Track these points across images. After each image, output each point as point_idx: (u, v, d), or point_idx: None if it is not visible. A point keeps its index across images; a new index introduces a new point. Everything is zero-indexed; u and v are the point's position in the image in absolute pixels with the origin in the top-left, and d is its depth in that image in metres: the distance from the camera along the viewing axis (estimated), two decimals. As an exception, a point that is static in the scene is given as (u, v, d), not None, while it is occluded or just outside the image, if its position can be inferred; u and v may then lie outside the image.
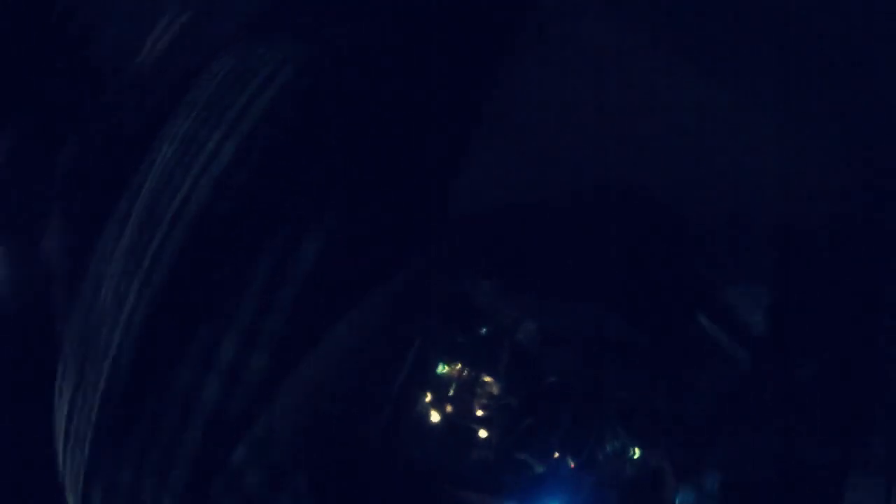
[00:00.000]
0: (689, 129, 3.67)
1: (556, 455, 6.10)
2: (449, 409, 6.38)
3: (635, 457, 5.96)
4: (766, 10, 3.17)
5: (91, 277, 2.76)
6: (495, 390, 6.00)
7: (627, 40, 3.40)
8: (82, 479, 2.49)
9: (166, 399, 2.30)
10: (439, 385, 6.11)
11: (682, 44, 3.40)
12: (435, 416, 6.34)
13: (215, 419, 2.29)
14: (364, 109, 2.38)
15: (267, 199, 2.23)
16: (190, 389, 2.29)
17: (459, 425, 6.36)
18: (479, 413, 6.33)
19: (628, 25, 3.47)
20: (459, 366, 5.95)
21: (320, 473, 2.13)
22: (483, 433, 6.26)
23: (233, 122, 2.37)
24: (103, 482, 2.44)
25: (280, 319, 2.28)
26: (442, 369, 6.02)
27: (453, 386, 6.04)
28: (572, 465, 6.07)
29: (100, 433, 2.42)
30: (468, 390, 6.12)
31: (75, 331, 2.67)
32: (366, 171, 2.31)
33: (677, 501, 5.14)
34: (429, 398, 6.19)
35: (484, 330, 5.33)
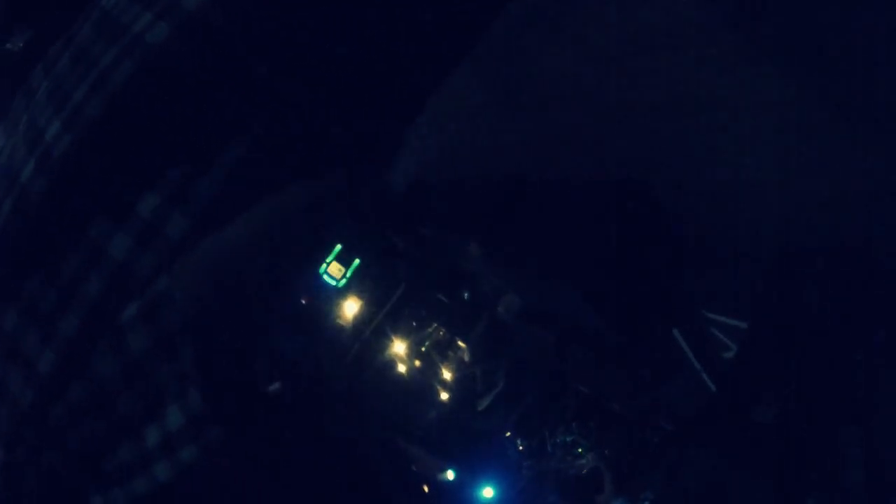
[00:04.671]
0: (708, 137, 3.56)
1: (508, 434, 6.03)
2: (417, 364, 6.29)
3: (582, 455, 5.89)
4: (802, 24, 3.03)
5: (14, 112, 2.56)
6: (465, 357, 5.91)
7: (653, 35, 3.28)
8: None
9: (71, 247, 2.14)
10: (412, 339, 6.00)
11: (719, 44, 3.28)
12: (402, 368, 6.24)
13: (118, 274, 2.11)
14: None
15: (229, 55, 2.10)
16: (99, 239, 2.13)
17: (423, 383, 6.26)
18: (445, 376, 6.24)
19: (651, 22, 3.35)
20: (436, 325, 5.84)
21: (210, 353, 2.02)
22: (444, 395, 6.18)
23: None
24: None
25: (213, 186, 2.15)
26: (418, 324, 5.91)
27: (426, 344, 5.93)
28: (520, 448, 6.01)
29: None
30: (439, 351, 6.01)
31: None
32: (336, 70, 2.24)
33: (609, 509, 5.07)
34: (400, 349, 6.09)
35: (467, 294, 5.23)
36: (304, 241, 2.39)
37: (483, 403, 5.96)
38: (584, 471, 5.91)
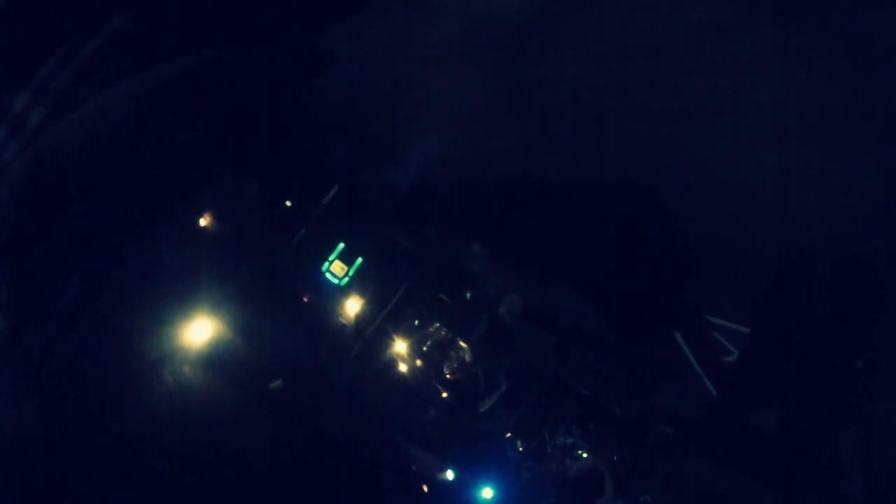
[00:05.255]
0: (710, 141, 3.55)
1: (508, 435, 5.98)
2: (419, 363, 6.24)
3: (583, 457, 5.84)
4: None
5: None
6: (467, 357, 5.87)
7: (654, 39, 3.27)
8: None
9: None
10: (414, 338, 5.95)
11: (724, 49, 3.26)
12: (403, 367, 6.19)
13: None
14: None
15: None
16: None
17: (425, 383, 6.20)
18: (446, 375, 6.18)
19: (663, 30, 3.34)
20: (438, 325, 5.80)
21: (22, 224, 2.15)
22: (445, 395, 6.13)
23: None
24: None
25: (69, 76, 2.32)
26: (420, 324, 5.87)
27: (428, 343, 5.89)
28: (520, 449, 5.96)
29: None
30: (441, 351, 5.97)
31: None
32: None
33: (609, 513, 5.06)
34: (401, 348, 6.03)
35: (469, 295, 5.22)
36: (119, 134, 2.45)
37: (484, 404, 5.96)
38: (584, 473, 5.92)
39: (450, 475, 5.78)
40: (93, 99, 2.27)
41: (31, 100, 2.29)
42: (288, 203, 5.52)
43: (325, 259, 5.91)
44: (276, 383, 4.02)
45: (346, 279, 5.90)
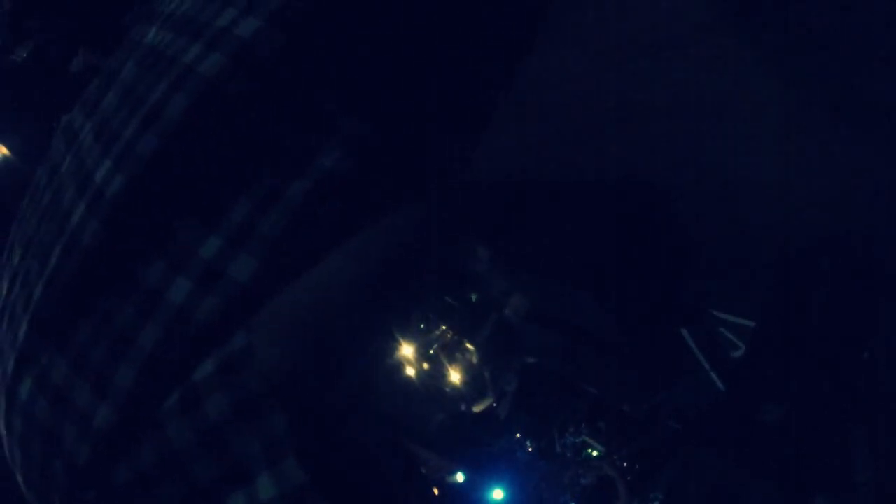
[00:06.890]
0: (711, 138, 3.56)
1: (517, 435, 6.01)
2: (426, 367, 6.27)
3: (592, 456, 5.88)
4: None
5: (49, 160, 2.40)
6: (473, 359, 5.90)
7: (654, 36, 3.28)
8: (11, 367, 2.18)
9: (125, 294, 2.00)
10: (420, 342, 5.99)
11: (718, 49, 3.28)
12: (410, 371, 6.22)
13: (179, 323, 1.95)
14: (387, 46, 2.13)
15: (293, 87, 1.83)
16: (156, 287, 1.99)
17: (432, 385, 6.25)
18: (454, 378, 6.22)
19: (661, 25, 3.35)
20: (444, 327, 5.84)
21: (300, 412, 1.76)
22: (452, 397, 6.16)
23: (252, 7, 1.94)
24: (35, 373, 2.10)
25: (279, 223, 1.98)
26: (426, 327, 5.91)
27: (434, 346, 5.93)
28: (529, 449, 5.99)
29: (38, 320, 2.08)
30: (447, 353, 6.00)
31: (27, 215, 2.27)
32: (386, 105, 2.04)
33: (623, 514, 5.07)
34: (408, 352, 6.06)
35: (474, 297, 5.25)
36: (398, 283, 2.18)
37: (492, 405, 5.96)
38: (595, 472, 5.93)
39: (460, 477, 5.79)
40: (328, 259, 1.91)
41: (225, 246, 1.94)
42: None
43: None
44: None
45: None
